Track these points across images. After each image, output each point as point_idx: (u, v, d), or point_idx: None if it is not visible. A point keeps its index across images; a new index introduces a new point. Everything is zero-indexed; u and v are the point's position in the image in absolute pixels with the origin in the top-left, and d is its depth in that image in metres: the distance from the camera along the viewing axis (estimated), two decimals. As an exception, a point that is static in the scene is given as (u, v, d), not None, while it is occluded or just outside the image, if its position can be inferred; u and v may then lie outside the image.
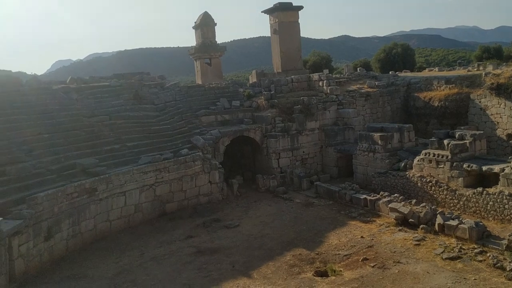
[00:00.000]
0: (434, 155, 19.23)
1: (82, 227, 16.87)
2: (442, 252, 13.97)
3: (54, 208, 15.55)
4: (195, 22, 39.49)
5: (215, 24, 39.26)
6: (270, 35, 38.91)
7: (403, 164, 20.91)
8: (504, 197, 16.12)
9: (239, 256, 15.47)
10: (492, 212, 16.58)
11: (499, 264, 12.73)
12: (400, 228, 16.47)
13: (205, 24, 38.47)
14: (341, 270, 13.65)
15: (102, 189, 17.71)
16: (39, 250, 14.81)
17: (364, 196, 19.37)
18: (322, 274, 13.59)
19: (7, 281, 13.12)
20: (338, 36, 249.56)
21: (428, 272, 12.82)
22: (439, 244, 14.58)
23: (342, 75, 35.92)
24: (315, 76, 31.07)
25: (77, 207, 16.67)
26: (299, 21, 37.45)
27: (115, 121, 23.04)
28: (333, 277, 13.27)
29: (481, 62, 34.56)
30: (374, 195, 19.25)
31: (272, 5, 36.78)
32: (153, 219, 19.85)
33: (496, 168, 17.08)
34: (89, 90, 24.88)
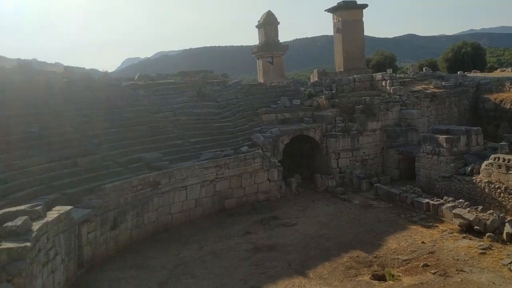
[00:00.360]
0: (504, 160, 18.15)
1: (145, 218, 17.44)
2: (510, 263, 13.17)
3: (120, 199, 16.20)
4: (258, 21, 39.70)
5: (278, 23, 39.27)
6: (333, 34, 38.41)
7: (469, 168, 19.92)
8: None
9: (295, 255, 15.39)
10: None
11: None
12: (464, 235, 15.70)
13: (268, 23, 38.56)
14: (399, 275, 13.23)
15: (164, 183, 18.23)
16: (106, 238, 15.48)
17: (427, 200, 18.65)
18: (380, 278, 13.22)
19: (76, 266, 13.83)
20: (404, 35, 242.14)
21: (493, 283, 12.15)
22: (507, 254, 13.77)
23: (406, 75, 34.77)
24: (378, 75, 30.30)
25: (141, 199, 17.26)
26: (363, 20, 36.67)
27: (179, 117, 23.65)
28: (391, 282, 12.88)
29: (559, 63, 32.32)
30: (437, 199, 18.48)
31: (336, 4, 36.24)
32: (212, 214, 20.18)
33: None
34: (155, 87, 25.70)
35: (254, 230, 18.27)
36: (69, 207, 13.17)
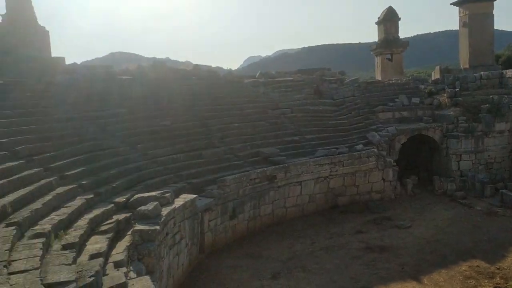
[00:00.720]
0: None
1: (261, 210, 17.81)
2: None
3: (239, 191, 16.71)
4: (378, 18, 38.19)
5: (399, 19, 37.42)
6: (458, 29, 35.56)
7: None
8: None
9: (409, 258, 14.60)
10: None
11: None
12: None
13: (389, 19, 36.91)
14: (527, 292, 11.89)
15: (281, 177, 18.42)
16: (225, 227, 16.09)
17: (563, 211, 16.51)
18: (503, 292, 12.02)
19: (198, 251, 14.58)
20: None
21: None
22: None
23: (542, 73, 30.95)
24: (509, 72, 27.40)
25: (258, 191, 17.63)
26: (493, 13, 33.42)
27: (296, 114, 23.74)
28: (517, 298, 11.63)
29: None
30: None
31: (462, -3, 33.47)
32: (325, 210, 19.97)
33: None
34: (274, 85, 26.08)
35: (366, 229, 17.71)
36: (193, 196, 13.90)
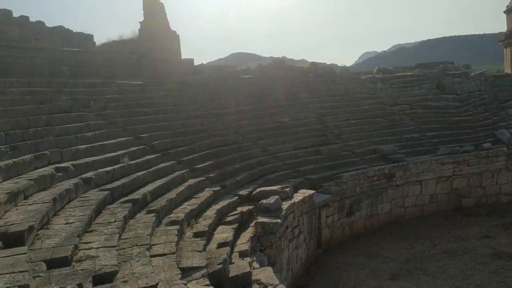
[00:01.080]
0: None
1: (378, 209, 17.17)
2: None
3: (356, 188, 16.29)
4: (506, 6, 34.44)
5: (533, 7, 33.33)
6: None
7: None
8: None
9: (545, 269, 12.98)
10: None
11: None
12: None
13: (521, 8, 33.07)
14: None
15: (399, 176, 17.57)
16: (342, 223, 15.82)
17: None
18: None
19: (315, 246, 14.53)
20: None
21: None
22: None
23: None
24: None
25: (375, 189, 17.03)
26: None
27: (415, 110, 22.48)
28: None
29: None
30: None
31: None
32: (447, 212, 18.59)
33: None
34: (393, 80, 24.97)
35: (493, 234, 16.08)
36: (312, 191, 13.85)
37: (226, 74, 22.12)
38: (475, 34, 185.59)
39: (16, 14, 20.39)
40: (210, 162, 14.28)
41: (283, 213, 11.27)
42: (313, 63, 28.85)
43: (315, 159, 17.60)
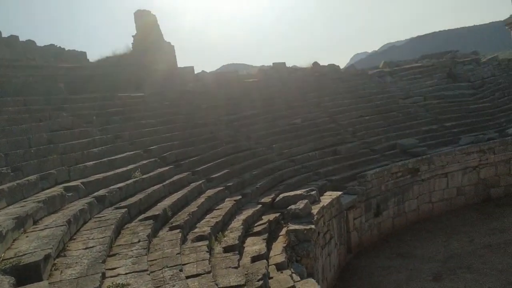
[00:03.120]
0: None
1: (406, 206, 16.27)
2: None
3: (381, 186, 15.41)
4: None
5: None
6: None
7: None
8: None
9: None
10: None
11: None
12: None
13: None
14: None
15: (424, 170, 16.68)
16: (370, 225, 14.91)
17: None
18: None
19: (345, 251, 13.60)
20: None
21: None
22: None
23: None
24: None
25: (401, 186, 16.14)
26: None
27: (430, 101, 21.71)
28: None
29: None
30: None
31: None
32: (476, 203, 17.69)
33: None
34: (402, 73, 24.21)
35: (533, 223, 15.23)
36: (338, 193, 12.98)
37: (229, 80, 21.31)
38: (465, 27, 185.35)
39: (5, 34, 19.56)
40: (226, 170, 13.39)
41: (315, 218, 10.37)
42: (315, 63, 28.09)
43: (333, 159, 16.74)
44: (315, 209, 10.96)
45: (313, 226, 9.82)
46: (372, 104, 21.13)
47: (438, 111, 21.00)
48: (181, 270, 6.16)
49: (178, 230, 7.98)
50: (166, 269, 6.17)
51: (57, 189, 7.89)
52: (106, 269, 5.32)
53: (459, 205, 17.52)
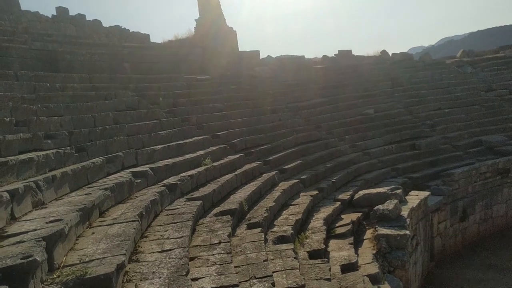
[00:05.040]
0: None
1: (493, 211, 14.30)
2: None
3: (468, 187, 13.56)
4: None
5: None
6: None
7: None
8: None
9: None
10: None
11: None
12: None
13: None
14: None
15: (516, 171, 14.61)
16: (454, 230, 13.13)
17: None
18: None
19: (429, 258, 11.94)
20: None
21: None
22: None
23: None
24: None
25: (489, 188, 14.19)
26: None
27: (517, 95, 19.27)
28: None
29: None
30: None
31: None
32: None
33: None
34: (483, 63, 21.81)
35: None
36: (426, 193, 11.30)
37: (296, 65, 19.82)
38: None
39: (72, 13, 19.08)
40: (299, 161, 12.03)
41: (407, 221, 8.83)
42: (384, 51, 26.06)
43: (412, 154, 14.97)
44: (404, 211, 9.41)
45: (407, 232, 8.29)
46: (451, 96, 19.02)
47: (527, 106, 18.59)
48: (273, 285, 4.89)
49: (259, 230, 6.73)
50: (254, 280, 4.93)
51: (124, 175, 6.85)
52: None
53: (552, 212, 15.28)
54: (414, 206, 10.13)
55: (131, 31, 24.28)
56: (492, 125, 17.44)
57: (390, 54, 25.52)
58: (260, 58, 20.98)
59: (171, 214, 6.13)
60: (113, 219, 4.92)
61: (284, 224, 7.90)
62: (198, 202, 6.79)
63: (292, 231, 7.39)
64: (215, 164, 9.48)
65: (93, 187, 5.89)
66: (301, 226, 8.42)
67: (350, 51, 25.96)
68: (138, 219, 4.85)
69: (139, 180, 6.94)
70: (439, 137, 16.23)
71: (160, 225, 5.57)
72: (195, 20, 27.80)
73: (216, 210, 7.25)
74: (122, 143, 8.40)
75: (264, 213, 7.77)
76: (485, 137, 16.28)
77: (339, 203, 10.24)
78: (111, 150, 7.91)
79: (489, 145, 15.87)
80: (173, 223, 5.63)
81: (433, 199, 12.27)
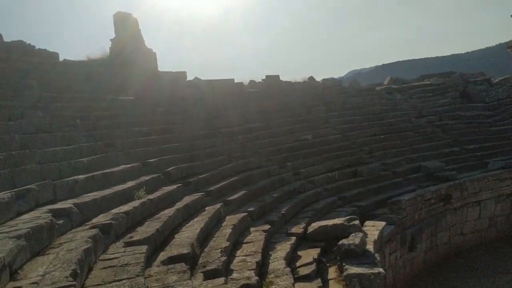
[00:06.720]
0: None
1: (438, 239, 14.23)
2: None
3: (415, 215, 13.32)
4: None
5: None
6: None
7: None
8: None
9: None
10: None
11: None
12: None
13: (521, 13, 32.01)
14: None
15: (456, 197, 14.76)
16: (404, 261, 12.72)
17: None
18: None
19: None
20: None
21: None
22: None
23: None
24: None
25: (434, 215, 14.12)
26: None
27: (446, 121, 20.01)
28: None
29: None
30: None
31: None
32: (508, 237, 15.87)
33: None
34: (411, 90, 22.59)
35: None
36: (382, 223, 10.68)
37: (227, 88, 18.91)
38: (428, 57, 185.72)
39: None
40: (243, 191, 10.94)
41: (377, 257, 8.04)
42: (311, 77, 26.19)
43: (355, 181, 14.58)
44: (369, 245, 8.65)
45: (381, 270, 7.46)
46: (385, 122, 19.25)
47: (456, 132, 19.31)
48: None
49: (223, 280, 5.48)
50: None
51: (41, 214, 5.28)
52: None
53: (490, 238, 15.70)
54: (376, 238, 9.45)
55: (37, 48, 21.93)
56: (427, 151, 17.77)
57: (319, 80, 25.71)
58: (187, 79, 19.80)
59: (110, 267, 4.69)
60: (33, 283, 3.44)
61: (244, 268, 6.71)
62: (143, 248, 5.39)
63: (257, 278, 6.21)
64: (150, 197, 8.07)
65: (1, 233, 4.30)
66: (262, 267, 7.29)
67: (278, 76, 25.72)
68: (73, 281, 3.42)
69: (61, 221, 5.40)
70: (378, 164, 16.09)
71: (99, 285, 4.13)
72: (111, 40, 26.05)
73: (163, 255, 5.89)
74: (34, 172, 6.74)
75: (221, 256, 6.53)
76: (423, 163, 16.44)
77: (294, 237, 9.28)
78: (20, 182, 6.25)
79: (428, 171, 16.02)
80: (116, 280, 4.21)
81: (388, 229, 11.78)
